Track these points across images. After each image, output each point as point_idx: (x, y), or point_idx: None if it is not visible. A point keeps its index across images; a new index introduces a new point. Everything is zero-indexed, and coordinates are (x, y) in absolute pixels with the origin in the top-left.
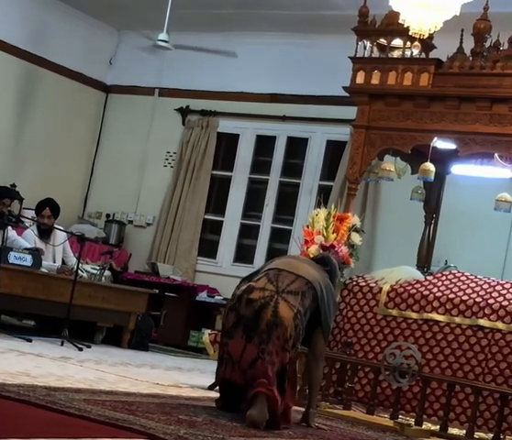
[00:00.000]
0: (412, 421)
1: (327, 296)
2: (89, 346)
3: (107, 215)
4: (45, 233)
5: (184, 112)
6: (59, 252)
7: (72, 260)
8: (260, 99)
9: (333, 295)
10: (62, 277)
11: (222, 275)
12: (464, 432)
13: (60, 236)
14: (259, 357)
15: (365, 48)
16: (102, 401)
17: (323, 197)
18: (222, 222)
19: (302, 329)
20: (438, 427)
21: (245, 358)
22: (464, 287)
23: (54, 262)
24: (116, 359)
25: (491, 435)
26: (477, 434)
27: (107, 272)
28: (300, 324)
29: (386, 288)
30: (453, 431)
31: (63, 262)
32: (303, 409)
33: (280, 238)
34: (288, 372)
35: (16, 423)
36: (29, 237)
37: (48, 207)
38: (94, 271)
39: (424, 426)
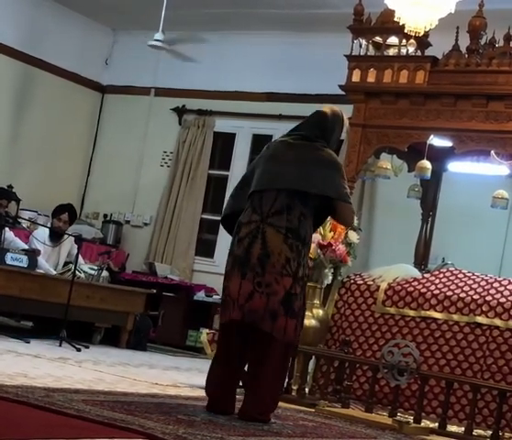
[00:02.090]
0: (411, 418)
1: (319, 171)
2: (87, 347)
3: (105, 216)
4: (55, 236)
5: (181, 111)
6: (63, 257)
7: (80, 262)
8: (256, 98)
9: (331, 162)
10: (59, 278)
11: (220, 274)
12: (463, 429)
13: (67, 241)
14: (255, 291)
15: (361, 46)
16: (100, 401)
17: None
18: (219, 221)
19: (302, 242)
20: (436, 425)
21: (242, 294)
22: (462, 284)
23: (58, 264)
24: (114, 360)
25: (490, 433)
26: (476, 432)
27: (105, 273)
28: (296, 240)
29: (384, 286)
30: (452, 428)
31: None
32: (304, 408)
33: None
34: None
35: (15, 424)
36: (40, 236)
37: (67, 212)
38: (92, 272)
39: (423, 424)
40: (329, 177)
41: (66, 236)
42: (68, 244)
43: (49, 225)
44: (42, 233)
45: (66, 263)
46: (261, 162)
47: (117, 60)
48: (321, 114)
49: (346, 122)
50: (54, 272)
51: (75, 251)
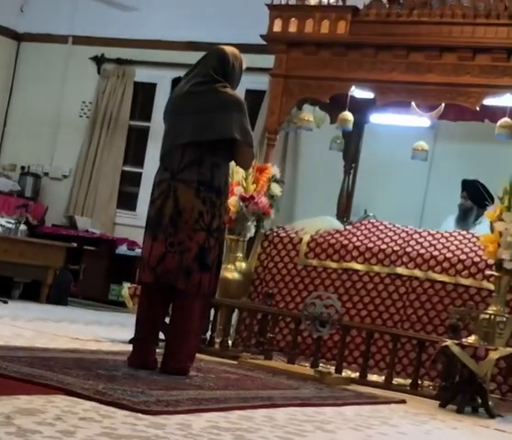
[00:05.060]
0: (332, 369)
1: (220, 115)
2: (6, 302)
3: (22, 168)
4: None
5: (99, 60)
6: None
7: None
8: (176, 47)
9: (232, 103)
10: None
11: (142, 228)
12: (383, 378)
13: None
14: (167, 252)
15: None
16: (18, 357)
17: None
18: (141, 173)
19: (216, 193)
20: (357, 374)
21: (153, 257)
22: (383, 236)
23: None
24: (33, 315)
25: (409, 381)
26: (396, 380)
27: (23, 226)
28: (208, 192)
29: (306, 238)
30: (372, 378)
31: None
32: (227, 361)
33: None
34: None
35: None
36: None
37: None
38: (10, 225)
39: (344, 374)
40: (230, 118)
41: None
42: None
43: None
44: None
45: None
46: (167, 118)
47: (33, 7)
48: (220, 51)
49: (244, 63)
50: None
51: None
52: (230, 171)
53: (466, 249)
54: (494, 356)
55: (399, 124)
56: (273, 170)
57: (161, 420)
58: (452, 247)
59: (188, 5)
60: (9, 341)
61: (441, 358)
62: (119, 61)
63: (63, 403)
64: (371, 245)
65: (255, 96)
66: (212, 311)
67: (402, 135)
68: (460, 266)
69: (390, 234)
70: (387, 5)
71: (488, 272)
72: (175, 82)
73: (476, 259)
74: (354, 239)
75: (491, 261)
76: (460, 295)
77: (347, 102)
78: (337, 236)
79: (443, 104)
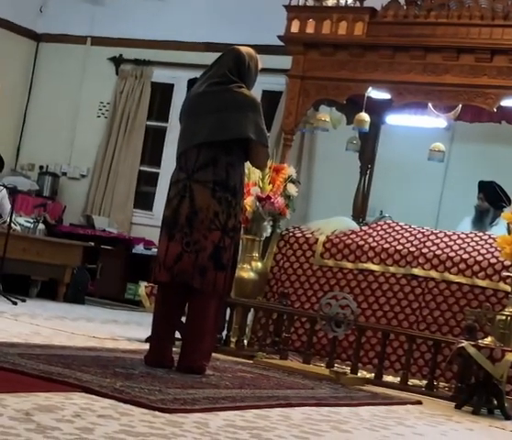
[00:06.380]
0: (347, 369)
1: (235, 115)
2: (24, 300)
3: (40, 167)
4: None
5: (118, 61)
6: None
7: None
8: (194, 48)
9: (247, 103)
10: None
11: (159, 227)
12: (399, 379)
13: None
14: (184, 252)
15: None
16: (37, 355)
17: None
18: (158, 173)
19: (231, 193)
20: (373, 375)
21: (169, 256)
22: (399, 237)
23: None
24: (51, 313)
25: (425, 382)
26: (411, 381)
27: (41, 225)
28: (224, 192)
29: (322, 239)
30: (388, 378)
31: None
32: (243, 360)
33: None
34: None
35: None
36: None
37: None
38: (28, 224)
39: (359, 374)
40: (245, 118)
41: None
42: None
43: None
44: None
45: None
46: (183, 118)
47: (52, 8)
48: (236, 52)
49: (259, 63)
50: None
51: (6, 203)
52: (247, 171)
53: (483, 251)
54: (510, 357)
55: (415, 125)
56: (290, 170)
57: (179, 418)
58: (469, 249)
59: (205, 7)
60: (28, 339)
61: (457, 360)
62: (137, 62)
63: (82, 401)
64: (387, 245)
65: (272, 97)
66: (228, 310)
67: (418, 136)
68: (476, 267)
69: (406, 235)
70: (405, 7)
71: (505, 274)
72: (191, 82)
73: (493, 261)
74: (370, 240)
75: (507, 263)
76: (476, 297)
77: (363, 103)
78: (352, 236)
79: (460, 106)
